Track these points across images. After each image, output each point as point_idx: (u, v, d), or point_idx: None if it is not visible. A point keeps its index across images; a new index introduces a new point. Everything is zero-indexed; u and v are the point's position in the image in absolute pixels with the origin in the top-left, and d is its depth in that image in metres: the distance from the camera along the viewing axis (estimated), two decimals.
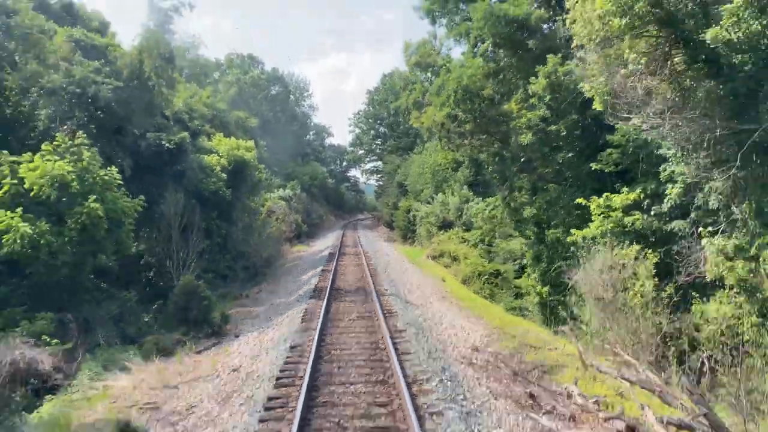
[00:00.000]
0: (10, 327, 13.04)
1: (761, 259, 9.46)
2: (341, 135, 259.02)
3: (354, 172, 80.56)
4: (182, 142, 20.04)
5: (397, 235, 44.10)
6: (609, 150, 15.72)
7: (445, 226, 34.82)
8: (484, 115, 17.97)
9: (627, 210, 14.91)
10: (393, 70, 59.72)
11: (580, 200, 15.44)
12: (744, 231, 9.95)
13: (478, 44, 18.63)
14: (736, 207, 10.13)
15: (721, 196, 10.37)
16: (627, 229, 14.73)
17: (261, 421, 7.34)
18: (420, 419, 6.88)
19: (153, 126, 19.71)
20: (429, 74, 24.48)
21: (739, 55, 9.91)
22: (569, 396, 9.30)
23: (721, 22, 9.56)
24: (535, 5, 18.46)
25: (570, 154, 16.74)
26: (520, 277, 24.42)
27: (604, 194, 14.89)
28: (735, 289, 10.13)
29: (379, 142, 66.53)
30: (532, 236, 22.50)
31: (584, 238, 15.50)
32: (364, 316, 13.57)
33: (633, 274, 13.41)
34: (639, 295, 12.83)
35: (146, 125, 19.24)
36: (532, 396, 9.12)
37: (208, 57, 53.53)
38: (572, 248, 15.96)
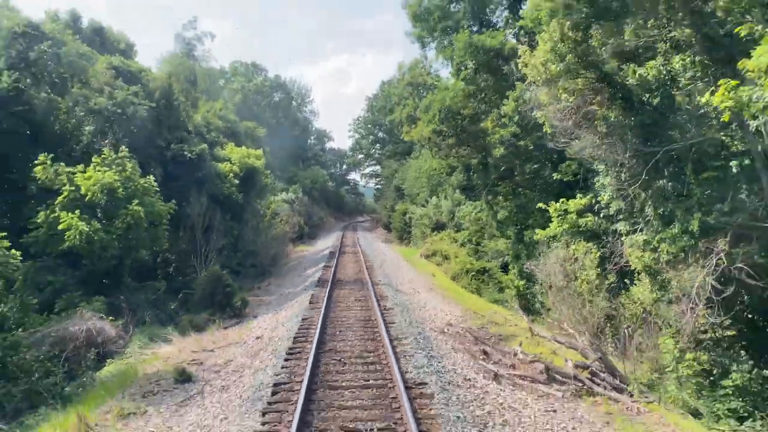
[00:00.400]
0: (71, 308, 16.29)
1: (660, 249, 12.65)
2: (342, 136, 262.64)
3: (354, 175, 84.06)
4: (202, 152, 23.27)
5: (394, 236, 47.25)
6: (568, 162, 18.95)
7: (438, 227, 37.94)
8: (464, 130, 21.19)
9: (581, 213, 18.10)
10: (392, 77, 63.00)
11: (540, 205, 18.64)
12: (651, 229, 13.15)
13: (461, 69, 21.83)
14: (647, 210, 13.34)
15: (636, 202, 13.57)
16: (581, 229, 17.91)
17: (285, 360, 10.53)
18: (396, 358, 10.06)
19: (176, 138, 22.95)
20: (420, 90, 27.71)
21: (648, 94, 13.17)
22: (515, 354, 12.49)
23: (654, 61, 12.88)
24: (510, 36, 21.73)
25: (536, 165, 19.97)
26: (505, 273, 27.56)
27: (561, 199, 18.08)
28: (643, 274, 13.32)
29: (378, 147, 69.89)
30: (512, 236, 25.75)
31: (547, 236, 18.74)
32: (360, 299, 16.77)
33: (582, 265, 16.63)
34: (585, 282, 16.01)
35: (171, 138, 22.48)
36: (485, 352, 12.33)
37: (213, 66, 56.85)
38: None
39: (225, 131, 29.14)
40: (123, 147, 18.46)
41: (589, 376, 10.37)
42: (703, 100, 9.00)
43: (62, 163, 17.94)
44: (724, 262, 11.64)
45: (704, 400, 11.89)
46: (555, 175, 19.18)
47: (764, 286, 11.30)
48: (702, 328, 11.96)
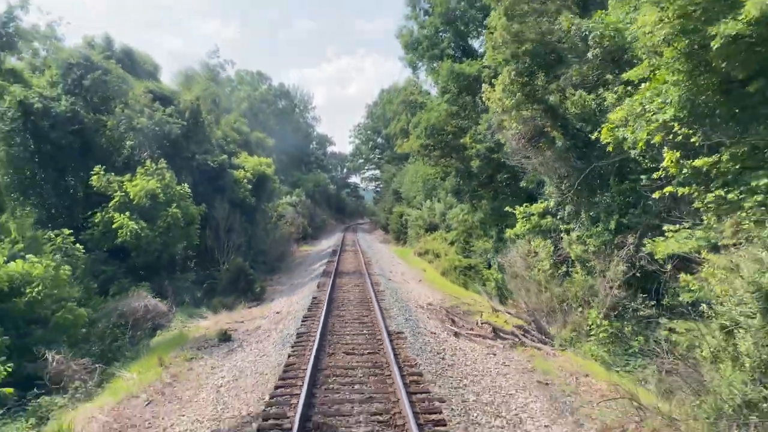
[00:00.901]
0: (122, 292, 20.44)
1: (588, 243, 16.77)
2: (342, 137, 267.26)
3: (354, 179, 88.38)
4: (223, 162, 27.47)
5: (391, 237, 51.36)
6: (532, 173, 23.08)
7: (431, 228, 42.04)
8: (448, 145, 25.35)
9: (542, 215, 22.23)
10: (390, 87, 67.16)
11: (508, 208, 22.76)
12: (583, 227, 17.28)
13: (445, 91, 25.98)
14: (581, 213, 17.48)
15: (573, 207, 17.71)
16: (542, 228, 22.04)
17: (302, 322, 14.66)
18: (383, 318, 14.18)
19: (201, 150, 27.13)
20: (413, 106, 31.88)
21: (581, 122, 17.30)
22: (476, 323, 16.61)
23: (576, 97, 16.94)
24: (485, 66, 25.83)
25: (507, 175, 24.09)
26: (490, 268, 31.65)
27: (525, 204, 22.19)
28: (577, 262, 17.43)
29: (377, 152, 74.15)
30: (494, 236, 29.90)
31: (515, 234, 22.88)
32: (359, 285, 20.89)
33: (539, 258, 20.74)
34: (541, 271, 20.12)
35: (197, 150, 26.67)
36: (452, 320, 16.44)
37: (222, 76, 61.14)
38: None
39: (239, 142, 33.36)
40: (162, 159, 22.63)
41: (523, 333, 14.49)
42: (593, 137, 13.12)
43: (112, 173, 22.13)
44: (631, 252, 15.77)
45: (619, 357, 16.02)
46: (522, 183, 23.31)
47: (657, 270, 15.40)
48: (617, 302, 16.09)
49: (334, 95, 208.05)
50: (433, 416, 7.79)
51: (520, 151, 18.03)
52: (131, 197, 21.37)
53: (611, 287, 16.18)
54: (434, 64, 29.40)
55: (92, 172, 21.74)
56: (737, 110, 9.64)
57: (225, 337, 15.61)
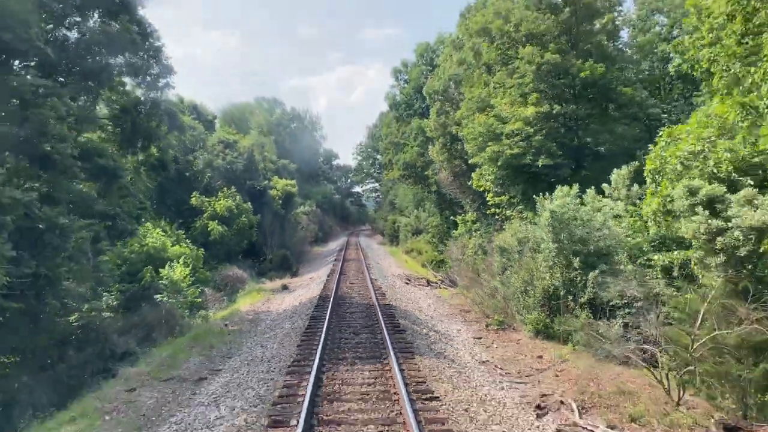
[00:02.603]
0: (213, 269, 36.14)
1: (483, 237, 32.17)
2: (344, 144, 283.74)
3: (357, 189, 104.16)
4: (265, 186, 43.18)
5: (386, 239, 66.91)
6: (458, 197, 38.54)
7: (417, 232, 57.46)
8: (418, 175, 40.89)
9: (474, 221, 37.77)
10: (386, 111, 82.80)
11: (452, 217, 38.25)
12: (482, 227, 32.77)
13: (416, 138, 41.56)
14: (482, 221, 33.02)
15: (478, 217, 33.24)
16: (473, 229, 37.60)
17: (327, 278, 30.21)
18: (370, 276, 29.70)
19: (250, 177, 42.89)
20: (398, 145, 47.46)
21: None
22: (423, 281, 32.06)
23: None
24: None
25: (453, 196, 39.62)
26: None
27: (462, 214, 37.61)
28: (479, 247, 32.86)
29: (377, 167, 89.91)
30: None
31: (458, 234, 38.41)
32: (358, 266, 36.36)
33: (469, 248, 36.26)
34: (469, 256, 35.66)
35: (248, 177, 42.45)
36: (408, 279, 31.92)
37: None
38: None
39: (272, 169, 49.07)
40: (233, 187, 38.34)
41: (441, 281, 29.95)
42: (470, 183, 28.63)
43: (204, 196, 37.84)
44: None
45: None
46: (463, 202, 38.80)
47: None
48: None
49: (337, 101, 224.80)
50: (382, 296, 23.34)
51: (449, 185, 33.55)
52: (217, 211, 37.05)
53: (492, 259, 31.64)
54: (410, 119, 45.02)
55: (191, 196, 37.45)
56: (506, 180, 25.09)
57: (285, 288, 31.18)
